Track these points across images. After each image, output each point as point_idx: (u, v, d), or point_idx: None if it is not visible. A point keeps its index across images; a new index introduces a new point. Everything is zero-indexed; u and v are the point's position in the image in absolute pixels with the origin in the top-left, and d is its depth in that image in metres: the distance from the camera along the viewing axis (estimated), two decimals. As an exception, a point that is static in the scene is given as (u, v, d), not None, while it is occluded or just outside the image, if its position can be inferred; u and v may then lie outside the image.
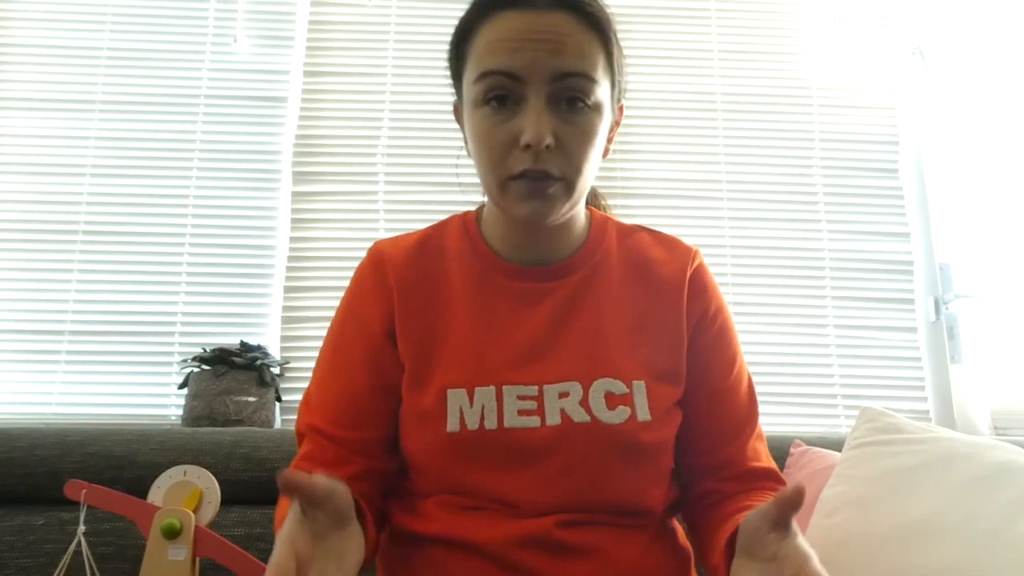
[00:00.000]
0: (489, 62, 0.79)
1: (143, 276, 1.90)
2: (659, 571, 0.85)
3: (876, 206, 2.05)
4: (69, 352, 1.85)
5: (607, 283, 0.89)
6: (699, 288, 0.91)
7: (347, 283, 0.92)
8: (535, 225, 0.84)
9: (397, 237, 0.93)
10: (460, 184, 1.02)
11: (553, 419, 0.81)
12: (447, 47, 0.87)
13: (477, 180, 0.86)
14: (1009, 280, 1.95)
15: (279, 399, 1.76)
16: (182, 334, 1.87)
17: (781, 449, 1.45)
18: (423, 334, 0.86)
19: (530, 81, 0.78)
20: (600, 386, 0.83)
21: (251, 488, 1.35)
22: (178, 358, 1.82)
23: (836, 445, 1.38)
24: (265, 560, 0.98)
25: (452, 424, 0.81)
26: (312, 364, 0.92)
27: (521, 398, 0.82)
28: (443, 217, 0.97)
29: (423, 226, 0.96)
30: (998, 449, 1.13)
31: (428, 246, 0.91)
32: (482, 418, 0.81)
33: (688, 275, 0.90)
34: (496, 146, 0.79)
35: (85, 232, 1.91)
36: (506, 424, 0.81)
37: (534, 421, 0.81)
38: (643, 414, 0.83)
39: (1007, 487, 1.05)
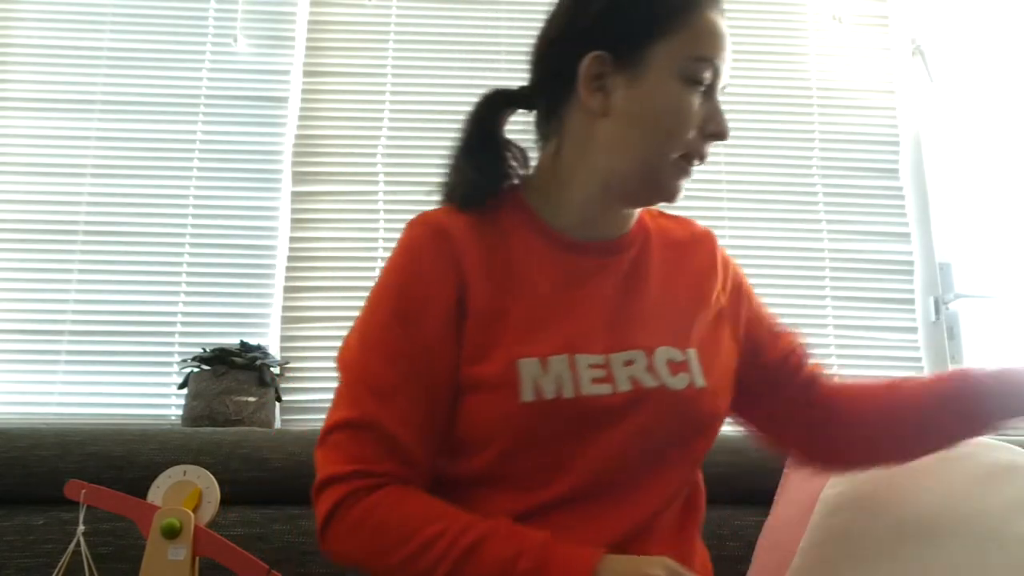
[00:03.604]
0: (708, 48, 0.85)
1: (143, 276, 1.89)
2: (673, 528, 0.88)
3: (876, 206, 2.05)
4: (69, 352, 1.85)
5: (654, 259, 0.94)
6: (725, 264, 0.99)
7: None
8: (665, 202, 0.92)
9: (440, 210, 0.92)
10: None
11: (623, 386, 0.82)
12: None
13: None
14: (1009, 280, 1.95)
15: (279, 399, 1.76)
16: (182, 334, 1.87)
17: (781, 449, 1.45)
18: (489, 304, 0.85)
19: (717, 79, 0.86)
20: (662, 353, 0.85)
21: (251, 488, 1.35)
22: (178, 358, 1.82)
23: (836, 445, 1.38)
24: (265, 560, 0.99)
25: (527, 394, 0.80)
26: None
27: (592, 367, 0.82)
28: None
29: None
30: (998, 449, 1.13)
31: (482, 220, 0.90)
32: (559, 387, 0.80)
33: (718, 256, 0.98)
34: (688, 124, 0.85)
35: (85, 232, 1.91)
36: (583, 392, 0.81)
37: (606, 388, 0.82)
38: (699, 380, 0.86)
39: (1007, 487, 1.05)
